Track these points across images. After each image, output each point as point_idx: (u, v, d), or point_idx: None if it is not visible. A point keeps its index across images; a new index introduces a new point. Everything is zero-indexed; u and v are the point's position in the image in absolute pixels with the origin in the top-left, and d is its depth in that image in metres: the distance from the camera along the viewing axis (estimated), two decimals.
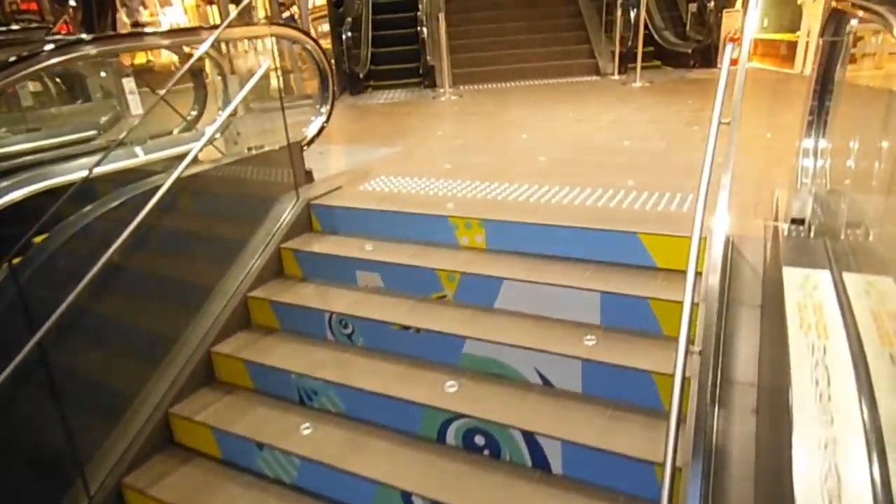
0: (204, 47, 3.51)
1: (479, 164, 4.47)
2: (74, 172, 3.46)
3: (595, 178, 3.81)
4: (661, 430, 1.71)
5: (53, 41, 3.34)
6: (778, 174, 3.51)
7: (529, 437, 2.40)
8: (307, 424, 2.79)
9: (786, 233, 2.36)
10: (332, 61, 8.60)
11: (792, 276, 1.76)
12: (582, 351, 2.58)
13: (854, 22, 2.31)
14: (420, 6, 8.99)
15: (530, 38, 9.10)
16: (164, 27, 13.71)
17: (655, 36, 9.05)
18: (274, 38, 4.00)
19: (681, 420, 1.65)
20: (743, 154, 2.87)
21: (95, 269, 2.57)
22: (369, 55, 9.26)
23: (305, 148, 4.32)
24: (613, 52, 8.43)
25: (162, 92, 3.57)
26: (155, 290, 3.24)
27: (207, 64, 4.68)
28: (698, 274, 2.08)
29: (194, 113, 4.94)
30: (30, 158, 4.02)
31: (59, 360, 2.69)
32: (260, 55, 4.21)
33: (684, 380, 1.70)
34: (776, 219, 2.56)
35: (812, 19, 7.66)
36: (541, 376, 2.66)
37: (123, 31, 9.37)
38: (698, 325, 2.14)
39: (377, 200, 3.73)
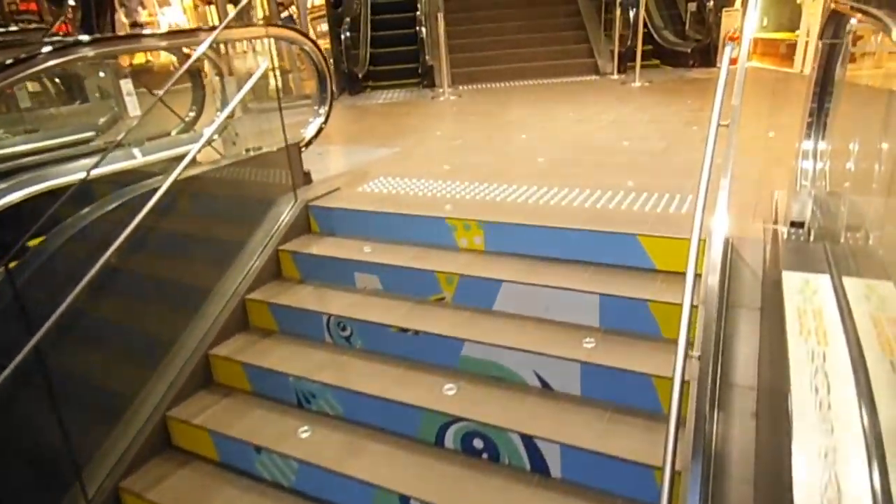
0: (201, 49, 3.50)
1: (478, 165, 4.46)
2: (72, 174, 3.45)
3: (594, 179, 3.80)
4: (660, 433, 1.70)
5: (51, 43, 3.32)
6: (777, 175, 3.50)
7: (528, 440, 2.39)
8: (305, 427, 2.78)
9: (785, 236, 2.35)
10: (331, 61, 8.61)
11: (791, 281, 1.75)
12: (581, 354, 2.57)
13: (854, 21, 2.30)
14: (419, 6, 8.98)
15: (530, 37, 9.09)
16: (163, 27, 13.72)
17: (655, 35, 9.04)
18: (271, 39, 3.99)
19: (680, 424, 1.64)
20: (742, 154, 2.86)
21: (93, 272, 2.55)
22: (368, 55, 9.25)
23: (304, 149, 4.30)
24: (613, 52, 8.41)
25: (160, 94, 3.56)
26: (152, 293, 3.23)
27: (206, 64, 4.67)
28: (698, 276, 2.07)
29: (192, 114, 4.93)
30: (27, 160, 4.01)
31: (57, 363, 2.68)
32: (258, 55, 4.20)
33: (683, 384, 1.69)
34: (776, 221, 2.55)
35: (811, 18, 7.65)
36: (540, 379, 2.65)
37: (122, 32, 9.36)
38: (698, 327, 2.13)
39: (376, 202, 3.72)
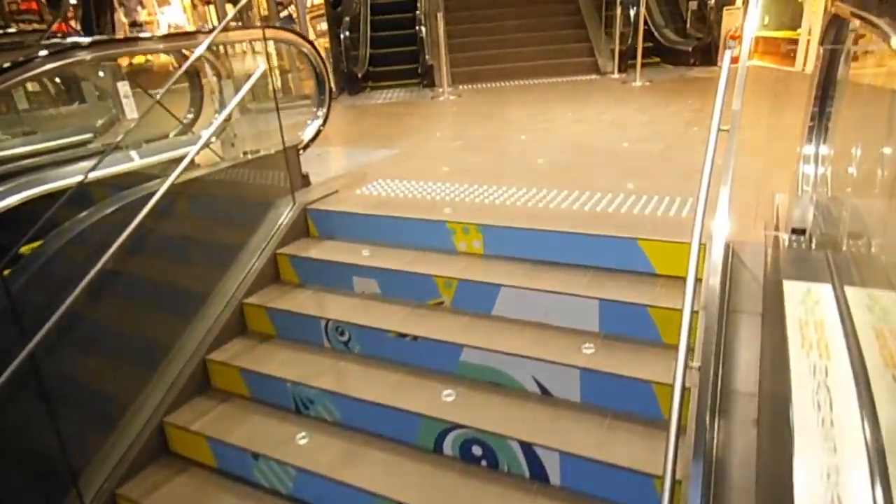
0: (197, 53, 3.49)
1: (477, 167, 4.44)
2: (69, 177, 3.43)
3: (594, 182, 3.78)
4: (660, 440, 1.68)
5: (48, 46, 3.30)
6: (778, 177, 3.48)
7: (527, 447, 2.37)
8: (303, 434, 2.76)
9: (786, 243, 2.33)
10: (331, 61, 8.59)
11: (793, 291, 1.72)
12: (580, 360, 2.55)
13: (857, 21, 2.27)
14: (419, 5, 8.95)
15: (530, 36, 9.06)
16: (163, 26, 13.69)
17: (656, 34, 9.02)
18: (269, 41, 3.97)
19: (680, 432, 1.62)
20: (743, 155, 2.83)
21: (90, 276, 2.53)
22: (368, 55, 9.22)
23: (302, 152, 4.28)
24: (613, 51, 8.38)
25: (158, 96, 3.54)
26: (150, 297, 3.21)
27: (204, 65, 4.65)
28: (698, 281, 2.05)
29: (190, 116, 4.91)
30: (26, 163, 4.00)
31: (53, 368, 2.67)
32: (257, 54, 4.18)
33: (684, 391, 1.67)
34: (777, 227, 2.53)
35: (813, 17, 7.62)
36: (539, 385, 2.63)
37: (121, 31, 9.33)
38: (698, 333, 2.11)
39: (374, 205, 3.70)
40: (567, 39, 9.11)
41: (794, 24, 8.56)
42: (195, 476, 2.84)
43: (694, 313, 1.84)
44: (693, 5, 8.87)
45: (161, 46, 4.20)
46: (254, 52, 4.30)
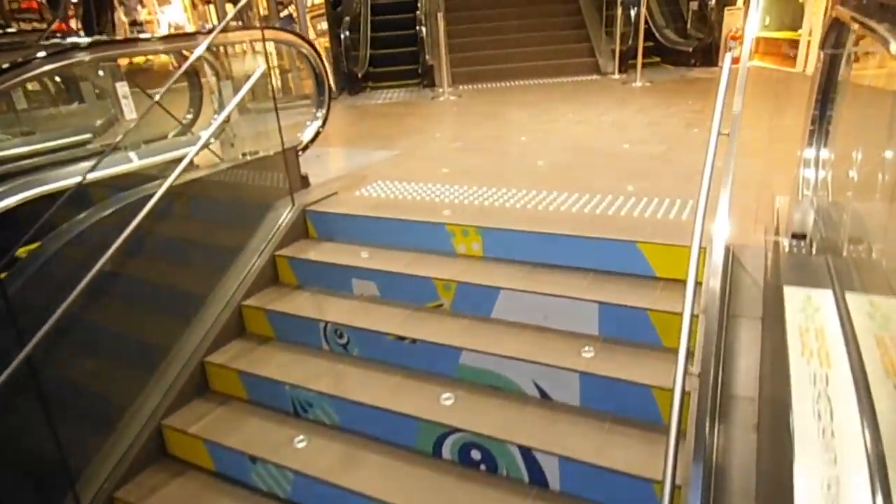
0: (196, 54, 3.48)
1: (477, 168, 4.42)
2: (68, 178, 3.42)
3: (594, 184, 3.77)
4: (660, 444, 1.67)
5: (47, 47, 3.29)
6: (779, 179, 3.47)
7: (526, 452, 2.36)
8: (301, 437, 2.75)
9: (787, 248, 2.32)
10: (331, 61, 8.57)
11: (793, 297, 1.71)
12: (580, 363, 2.54)
13: (856, 25, 2.25)
14: (419, 6, 8.93)
15: (530, 36, 9.05)
16: (163, 26, 13.67)
17: (656, 34, 9.01)
18: (269, 42, 3.96)
19: (680, 436, 1.61)
20: (743, 157, 2.82)
21: (88, 278, 2.52)
22: (368, 55, 9.21)
23: (301, 153, 4.27)
24: (613, 51, 8.37)
25: (157, 97, 3.53)
26: (148, 299, 3.20)
27: (204, 65, 4.64)
28: (698, 284, 2.04)
29: (190, 116, 4.90)
30: (24, 163, 3.99)
31: (50, 371, 2.66)
32: (257, 54, 4.17)
33: (684, 395, 1.66)
34: (777, 230, 2.52)
35: (814, 18, 7.60)
36: (538, 389, 2.62)
37: (121, 31, 9.32)
38: (698, 337, 2.10)
39: (373, 206, 3.69)
40: (567, 40, 9.10)
41: (795, 24, 8.55)
42: (193, 479, 2.83)
43: (694, 317, 1.83)
44: (694, 5, 8.86)
45: (160, 47, 4.19)
46: (253, 52, 4.29)
